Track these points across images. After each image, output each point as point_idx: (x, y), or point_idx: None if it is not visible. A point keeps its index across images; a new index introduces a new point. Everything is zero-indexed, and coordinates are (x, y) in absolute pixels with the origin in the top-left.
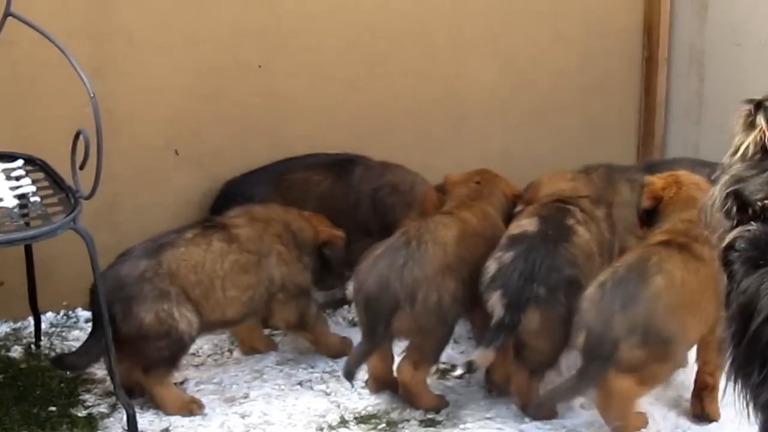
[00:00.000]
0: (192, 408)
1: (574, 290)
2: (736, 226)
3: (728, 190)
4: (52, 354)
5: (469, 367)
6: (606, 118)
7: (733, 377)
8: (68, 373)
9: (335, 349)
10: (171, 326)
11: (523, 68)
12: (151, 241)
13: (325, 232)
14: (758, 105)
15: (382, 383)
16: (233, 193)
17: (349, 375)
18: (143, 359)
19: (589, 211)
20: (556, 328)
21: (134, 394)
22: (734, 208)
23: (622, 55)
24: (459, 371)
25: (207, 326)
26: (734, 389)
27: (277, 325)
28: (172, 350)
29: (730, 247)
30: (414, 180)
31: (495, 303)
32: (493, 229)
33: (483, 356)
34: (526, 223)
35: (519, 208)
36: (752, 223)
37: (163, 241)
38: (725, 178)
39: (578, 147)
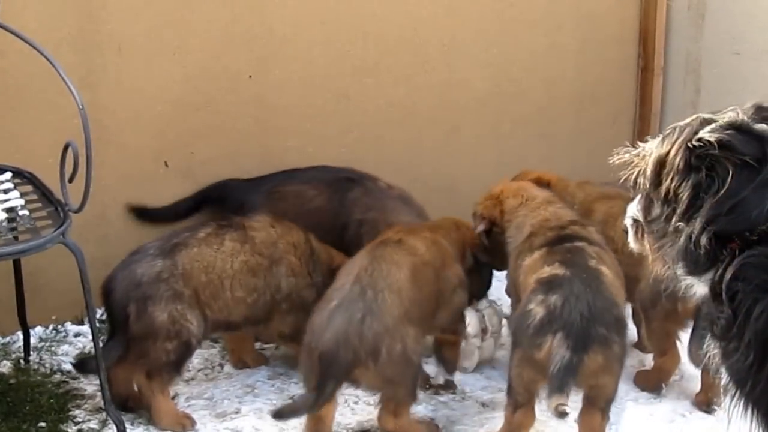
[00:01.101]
0: (185, 424)
1: (623, 328)
2: (727, 258)
3: (706, 234)
4: (42, 369)
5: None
6: (600, 127)
7: (750, 411)
8: (60, 386)
9: None
10: (183, 327)
11: (516, 77)
12: (164, 239)
13: (340, 257)
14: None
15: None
16: (222, 197)
17: (278, 416)
18: (149, 363)
19: (598, 242)
20: (616, 365)
21: (127, 406)
22: (716, 246)
23: (617, 65)
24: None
25: (211, 327)
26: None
27: (270, 336)
28: (179, 354)
29: (735, 278)
30: (401, 219)
31: (557, 346)
32: (442, 257)
33: (560, 401)
34: (549, 269)
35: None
36: (761, 249)
37: (177, 240)
38: (699, 221)
39: (572, 157)
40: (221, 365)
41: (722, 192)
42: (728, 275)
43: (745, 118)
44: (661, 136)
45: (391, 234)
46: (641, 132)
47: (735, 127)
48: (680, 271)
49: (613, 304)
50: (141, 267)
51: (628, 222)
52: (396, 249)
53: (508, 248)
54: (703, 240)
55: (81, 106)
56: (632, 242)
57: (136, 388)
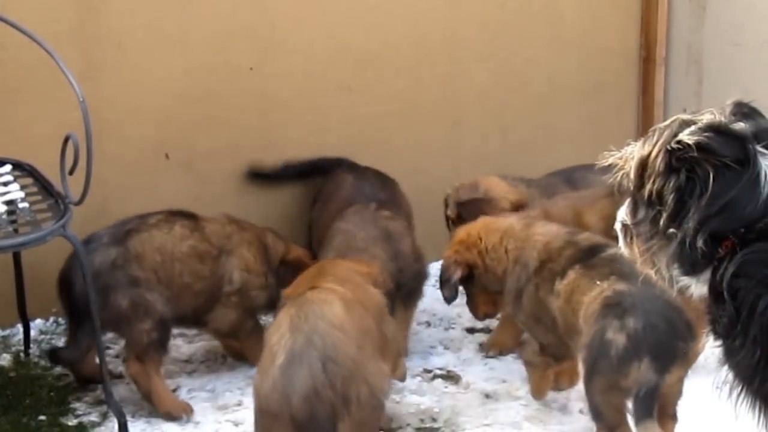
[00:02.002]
0: (186, 408)
1: (693, 330)
2: (725, 256)
3: (701, 236)
4: (42, 362)
5: None
6: (603, 119)
7: (758, 408)
8: (60, 379)
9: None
10: (148, 308)
11: (518, 69)
12: (116, 226)
13: (298, 251)
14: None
15: None
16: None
17: None
18: (134, 347)
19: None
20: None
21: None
22: (711, 246)
23: (619, 56)
24: None
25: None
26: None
27: (209, 330)
28: (159, 332)
29: (736, 275)
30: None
31: (644, 371)
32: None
33: (651, 426)
34: (608, 285)
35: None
36: (758, 245)
37: (129, 226)
38: (691, 224)
39: (575, 148)
40: (223, 357)
41: (707, 194)
42: (729, 273)
43: (724, 118)
44: (642, 138)
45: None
46: (644, 123)
47: (714, 128)
48: (675, 273)
49: (681, 310)
50: (97, 256)
51: (617, 226)
52: (316, 292)
53: (507, 285)
54: (700, 242)
55: (81, 99)
56: (623, 246)
57: (132, 381)
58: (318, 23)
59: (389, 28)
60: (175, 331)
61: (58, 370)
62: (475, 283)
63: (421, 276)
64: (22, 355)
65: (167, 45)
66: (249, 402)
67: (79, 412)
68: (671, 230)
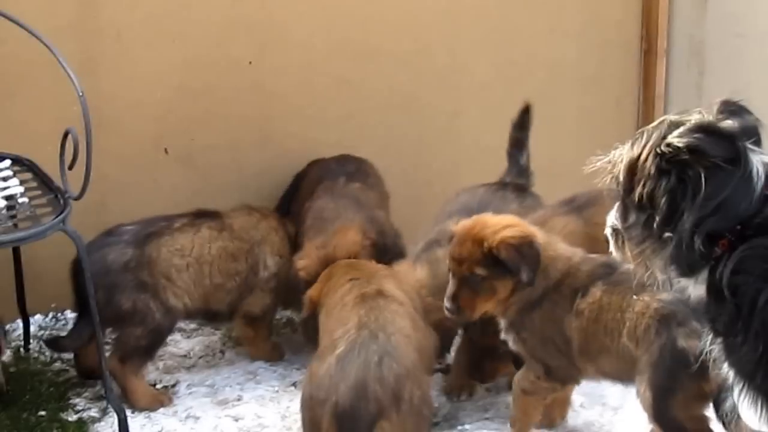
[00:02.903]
0: (161, 399)
1: None
2: (723, 254)
3: (698, 236)
4: (41, 357)
5: None
6: (604, 111)
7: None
8: (60, 375)
9: (264, 353)
10: (147, 315)
11: (518, 61)
12: (142, 225)
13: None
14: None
15: None
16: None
17: None
18: (120, 348)
19: None
20: None
21: (92, 376)
22: (708, 246)
23: (619, 47)
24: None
25: (186, 315)
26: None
27: (236, 318)
28: (149, 340)
29: (735, 272)
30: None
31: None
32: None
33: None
34: (650, 297)
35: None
36: (755, 241)
37: (152, 229)
38: (687, 226)
39: (576, 141)
40: (222, 352)
41: (701, 195)
42: (728, 270)
43: (712, 117)
44: (630, 141)
45: (365, 287)
46: (645, 115)
47: (703, 129)
48: (673, 275)
49: None
50: (112, 253)
51: (608, 231)
52: (386, 300)
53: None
54: (697, 243)
55: (81, 93)
56: (614, 251)
57: (108, 372)
58: (317, 17)
59: (388, 21)
60: None
61: (58, 365)
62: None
63: (401, 252)
64: (21, 350)
65: (166, 39)
66: (249, 397)
67: (79, 408)
68: (666, 233)
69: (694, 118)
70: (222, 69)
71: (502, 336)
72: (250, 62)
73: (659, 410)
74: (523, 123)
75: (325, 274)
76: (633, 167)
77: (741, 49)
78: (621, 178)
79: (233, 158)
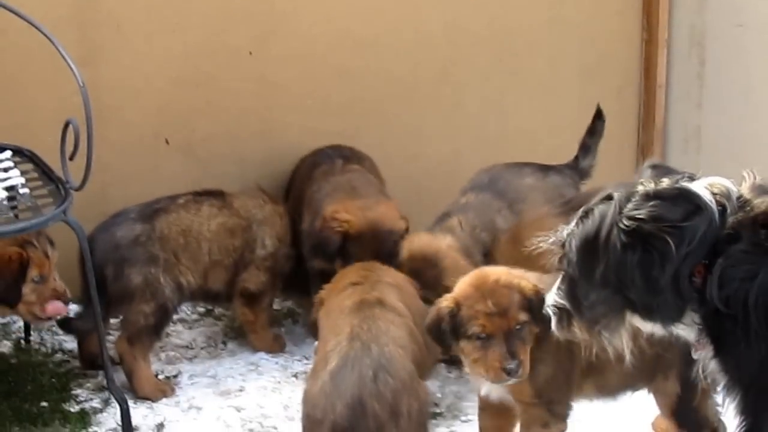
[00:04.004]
0: (164, 390)
1: None
2: (704, 280)
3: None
4: (43, 349)
5: None
6: (605, 101)
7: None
8: (61, 366)
9: (266, 343)
10: (157, 289)
11: (519, 52)
12: (146, 204)
13: None
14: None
15: None
16: None
17: None
18: (128, 327)
19: None
20: None
21: (96, 364)
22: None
23: (620, 38)
24: None
25: (189, 295)
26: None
27: (234, 297)
28: (157, 317)
29: (721, 287)
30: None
31: None
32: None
33: None
34: None
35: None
36: (730, 249)
37: (158, 206)
38: (669, 282)
39: (577, 131)
40: (224, 343)
41: (672, 256)
42: (715, 288)
43: (653, 183)
44: (574, 220)
45: (364, 290)
46: (646, 105)
47: (656, 196)
48: (674, 330)
49: None
50: (121, 230)
51: (550, 310)
52: (384, 310)
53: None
54: (684, 287)
55: (81, 84)
56: (557, 330)
57: (117, 355)
58: (317, 7)
59: (388, 11)
60: (175, 316)
61: (59, 356)
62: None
63: (401, 236)
64: (22, 342)
65: (166, 29)
66: (251, 388)
67: (81, 399)
68: (657, 299)
69: (641, 190)
70: (222, 59)
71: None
72: (251, 52)
73: (684, 404)
74: (594, 129)
75: (339, 275)
76: (590, 246)
77: (741, 39)
78: (574, 258)
79: (234, 148)
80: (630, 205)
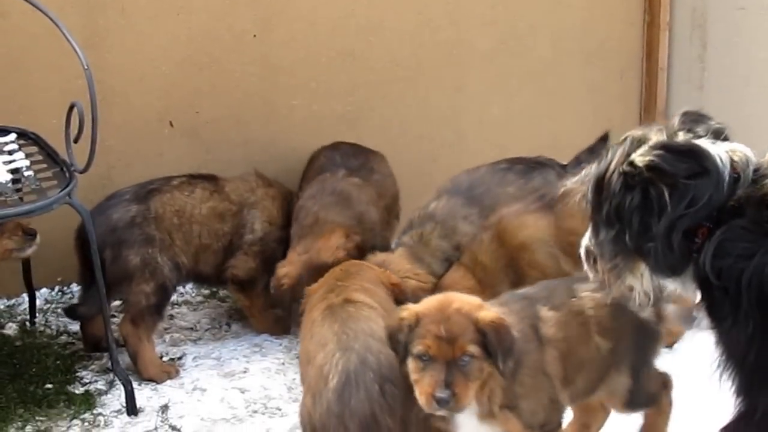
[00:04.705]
0: (169, 371)
1: None
2: (703, 243)
3: (675, 236)
4: (48, 331)
5: None
6: (607, 83)
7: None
8: (66, 348)
9: (266, 325)
10: (156, 269)
11: (522, 34)
12: (140, 185)
13: None
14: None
15: None
16: None
17: None
18: (131, 309)
19: None
20: None
21: (100, 347)
22: (686, 241)
23: (623, 20)
24: None
25: (185, 275)
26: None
27: (226, 282)
28: (158, 297)
29: (715, 256)
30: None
31: None
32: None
33: None
34: (588, 292)
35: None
36: (732, 222)
37: (152, 186)
38: (662, 231)
39: (579, 113)
40: (228, 324)
41: (668, 207)
42: (709, 255)
43: (673, 132)
44: (597, 159)
45: (327, 301)
46: (648, 87)
47: (663, 146)
48: (661, 282)
49: None
50: (116, 212)
51: (582, 252)
52: (356, 307)
53: None
54: (675, 243)
55: (86, 67)
56: (588, 272)
57: (121, 338)
58: None
59: None
60: (179, 298)
61: (64, 338)
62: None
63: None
64: (28, 324)
65: (171, 12)
66: (254, 369)
67: (86, 380)
68: (648, 244)
69: (655, 136)
70: (226, 42)
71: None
72: (255, 35)
73: (636, 393)
74: (594, 149)
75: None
76: (599, 185)
77: (742, 22)
78: (590, 196)
79: (238, 131)
80: (638, 151)
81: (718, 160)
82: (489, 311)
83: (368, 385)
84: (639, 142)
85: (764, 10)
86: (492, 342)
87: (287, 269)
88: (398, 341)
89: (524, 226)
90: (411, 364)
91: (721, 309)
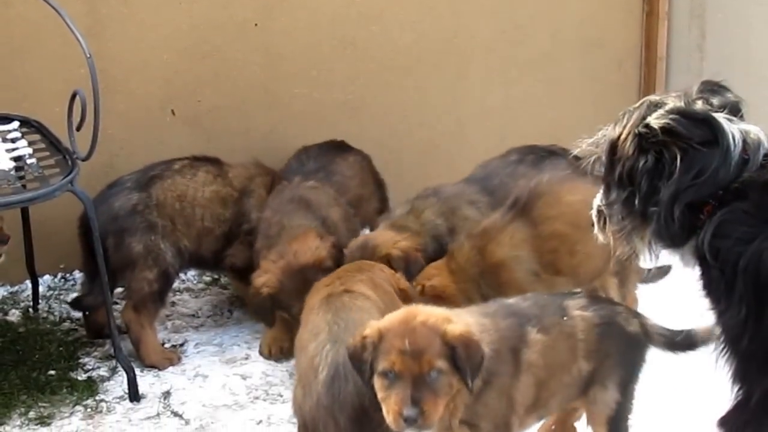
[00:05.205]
0: (171, 358)
1: None
2: (705, 221)
3: (677, 206)
4: (51, 317)
5: None
6: (606, 72)
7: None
8: (69, 334)
9: None
10: (158, 255)
11: (522, 23)
12: (142, 172)
13: None
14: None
15: None
16: None
17: None
18: (133, 296)
19: None
20: None
21: (103, 333)
22: (691, 215)
23: (622, 9)
24: None
25: (188, 260)
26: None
27: (226, 269)
28: (160, 283)
29: (715, 236)
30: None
31: None
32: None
33: None
34: (578, 313)
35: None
36: (734, 204)
37: (153, 173)
38: (666, 198)
39: (579, 102)
40: (230, 311)
41: (677, 172)
42: (708, 235)
43: (692, 98)
44: (614, 122)
45: (331, 287)
46: (647, 77)
47: (679, 111)
48: (659, 249)
49: None
50: (118, 200)
51: (593, 213)
52: (352, 296)
53: None
54: (677, 214)
55: (89, 55)
56: (598, 233)
57: (123, 324)
58: None
59: None
60: (181, 285)
61: (67, 325)
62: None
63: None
64: (30, 310)
65: (173, 1)
66: (256, 356)
67: (89, 367)
68: (651, 209)
69: (672, 101)
70: (228, 31)
71: None
72: (256, 24)
73: (621, 412)
74: None
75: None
76: (614, 147)
77: (741, 12)
78: (603, 157)
79: (239, 119)
80: (654, 114)
81: (731, 137)
82: (457, 325)
83: (357, 379)
84: (655, 107)
85: (763, 0)
86: (461, 357)
87: (265, 278)
88: (362, 360)
89: (502, 243)
90: (377, 383)
91: (716, 290)
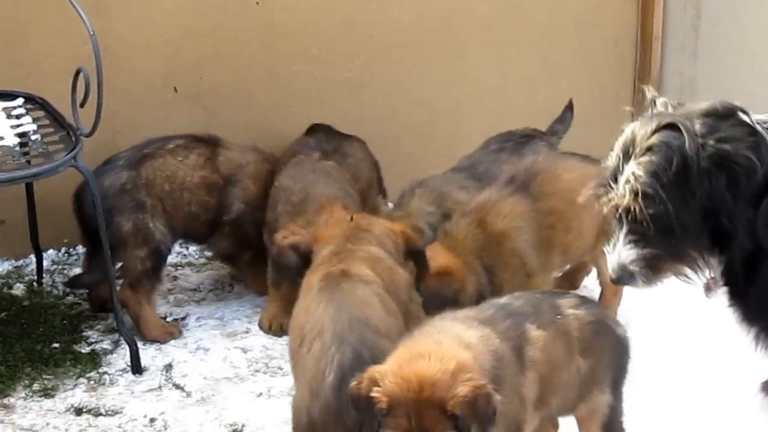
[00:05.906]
0: (172, 332)
1: None
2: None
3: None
4: (54, 291)
5: None
6: (602, 51)
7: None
8: (73, 308)
9: (262, 288)
10: (148, 234)
11: (519, 3)
12: (137, 149)
13: None
14: None
15: None
16: None
17: None
18: (128, 274)
19: None
20: None
21: (106, 308)
22: None
23: None
24: None
25: (180, 235)
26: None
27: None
28: (153, 261)
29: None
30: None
31: None
32: (390, 275)
33: None
34: (570, 311)
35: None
36: None
37: (147, 151)
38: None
39: (575, 81)
40: (231, 285)
41: (757, 176)
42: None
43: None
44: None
45: (329, 265)
46: (642, 56)
47: (715, 114)
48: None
49: None
50: (108, 178)
51: (635, 268)
52: (351, 283)
53: None
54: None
55: (92, 32)
56: (643, 285)
57: (122, 304)
58: None
59: None
60: (183, 260)
61: (71, 299)
62: None
63: None
64: (35, 284)
65: None
66: (256, 329)
67: (92, 340)
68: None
69: (693, 109)
70: (230, 9)
71: None
72: (258, 2)
73: (616, 414)
74: (563, 118)
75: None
76: (681, 176)
77: None
78: (664, 194)
79: (241, 97)
80: (699, 128)
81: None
82: (466, 384)
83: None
84: (691, 121)
85: None
86: (470, 418)
87: (299, 238)
88: (368, 414)
89: (503, 214)
90: None
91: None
